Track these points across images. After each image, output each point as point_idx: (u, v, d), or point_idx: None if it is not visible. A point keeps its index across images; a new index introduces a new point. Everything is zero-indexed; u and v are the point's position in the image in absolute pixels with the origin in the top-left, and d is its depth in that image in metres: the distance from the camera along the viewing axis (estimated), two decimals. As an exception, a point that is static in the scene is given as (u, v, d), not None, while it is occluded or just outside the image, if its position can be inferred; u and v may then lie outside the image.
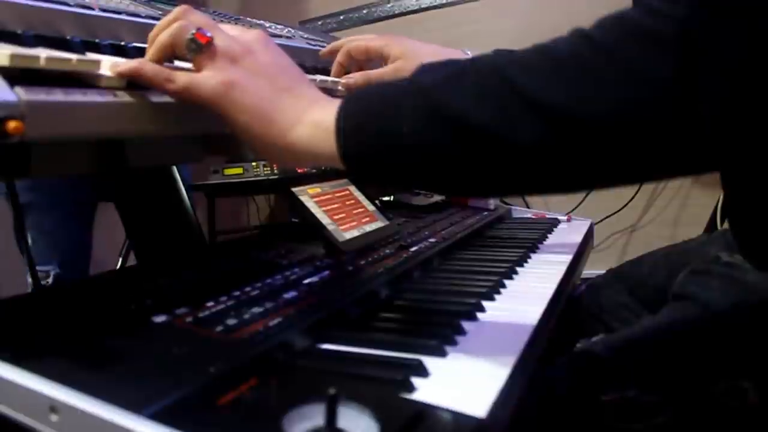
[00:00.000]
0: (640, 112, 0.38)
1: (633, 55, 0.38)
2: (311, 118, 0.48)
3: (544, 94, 0.39)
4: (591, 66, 0.39)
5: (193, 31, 0.49)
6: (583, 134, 0.39)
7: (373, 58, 0.81)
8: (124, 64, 0.47)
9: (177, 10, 0.51)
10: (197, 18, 0.51)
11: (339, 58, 0.83)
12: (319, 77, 0.77)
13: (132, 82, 0.48)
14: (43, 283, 1.34)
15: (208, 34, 0.49)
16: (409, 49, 0.78)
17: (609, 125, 0.38)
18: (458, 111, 0.41)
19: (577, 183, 0.44)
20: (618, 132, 0.38)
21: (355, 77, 0.77)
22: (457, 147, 0.42)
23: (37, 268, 1.36)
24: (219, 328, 0.46)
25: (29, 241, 1.36)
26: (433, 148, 0.43)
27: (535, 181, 0.44)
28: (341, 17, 2.33)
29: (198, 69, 0.50)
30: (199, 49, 0.49)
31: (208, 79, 0.48)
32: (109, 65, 0.47)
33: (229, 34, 0.51)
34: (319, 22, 2.34)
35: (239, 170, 1.72)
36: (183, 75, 0.49)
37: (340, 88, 0.77)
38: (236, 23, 0.88)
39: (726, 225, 1.38)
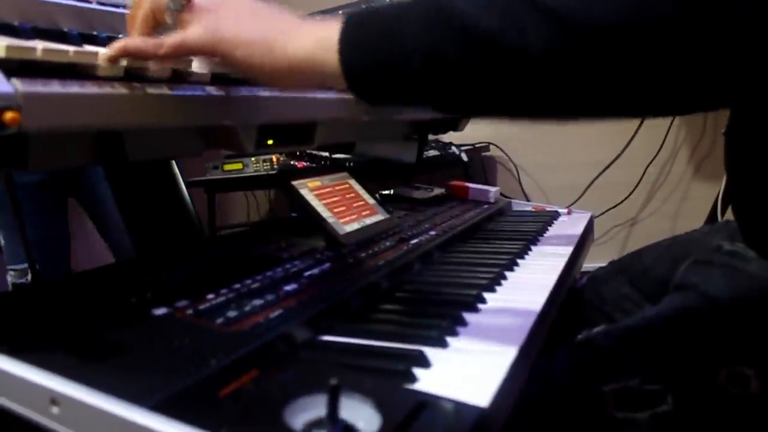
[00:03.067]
0: (653, 19, 0.37)
1: None
2: (314, 33, 0.48)
3: None
4: None
5: None
6: (594, 39, 0.38)
7: None
8: (110, 48, 0.48)
9: None
10: None
11: None
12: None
13: (129, 73, 0.47)
14: (21, 281, 1.35)
15: None
16: None
17: (622, 30, 0.37)
18: (464, 15, 0.40)
19: (585, 100, 0.42)
20: (630, 37, 0.37)
21: None
22: (464, 53, 0.41)
23: (13, 267, 1.37)
24: (220, 320, 0.46)
25: (1, 241, 1.37)
26: (440, 54, 0.42)
27: (542, 94, 0.42)
28: (340, 13, 2.32)
29: (183, 27, 0.50)
30: (180, 6, 0.50)
31: (196, 29, 0.49)
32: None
33: None
34: (318, 18, 2.33)
35: (239, 165, 1.72)
36: (170, 37, 0.50)
37: None
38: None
39: (727, 216, 1.38)
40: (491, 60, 0.40)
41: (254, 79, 0.53)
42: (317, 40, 0.47)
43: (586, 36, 0.38)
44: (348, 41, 0.46)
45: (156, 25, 0.52)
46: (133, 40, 0.49)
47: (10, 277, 1.38)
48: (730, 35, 0.36)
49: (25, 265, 1.34)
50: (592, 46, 0.38)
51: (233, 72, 0.56)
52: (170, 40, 0.50)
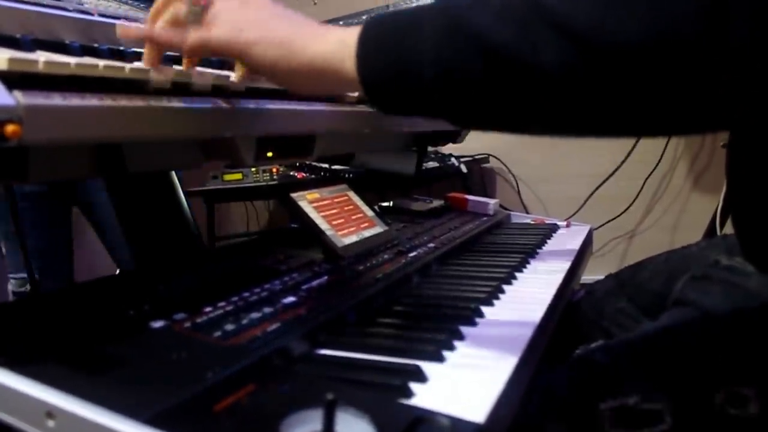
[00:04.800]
0: (670, 41, 0.36)
1: None
2: (335, 36, 0.48)
3: (570, 16, 0.38)
4: None
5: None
6: (608, 60, 0.38)
7: None
8: (134, 27, 0.51)
9: None
10: None
11: None
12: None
13: (130, 85, 0.47)
14: (22, 290, 1.35)
15: None
16: None
17: (636, 51, 0.37)
18: (480, 28, 0.41)
19: (596, 117, 0.42)
20: (652, 57, 0.37)
21: None
22: (478, 66, 0.41)
23: (15, 276, 1.37)
24: (217, 334, 0.46)
25: (2, 250, 1.37)
26: (453, 67, 0.42)
27: (554, 110, 0.42)
28: (341, 23, 2.33)
29: (206, 28, 0.51)
30: (199, 15, 0.51)
31: (220, 29, 0.50)
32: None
33: None
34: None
35: (238, 176, 1.72)
36: (194, 34, 0.51)
37: None
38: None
39: (725, 230, 1.38)
40: (504, 74, 0.41)
41: (269, 79, 0.54)
42: (336, 43, 0.48)
43: (605, 55, 0.38)
44: (365, 49, 0.46)
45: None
46: (158, 29, 0.52)
47: (11, 286, 1.38)
48: (747, 49, 0.35)
49: (25, 275, 1.34)
50: (611, 65, 0.38)
51: (234, 86, 0.56)
52: (195, 36, 0.51)
